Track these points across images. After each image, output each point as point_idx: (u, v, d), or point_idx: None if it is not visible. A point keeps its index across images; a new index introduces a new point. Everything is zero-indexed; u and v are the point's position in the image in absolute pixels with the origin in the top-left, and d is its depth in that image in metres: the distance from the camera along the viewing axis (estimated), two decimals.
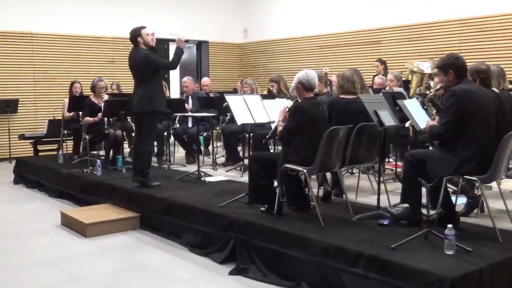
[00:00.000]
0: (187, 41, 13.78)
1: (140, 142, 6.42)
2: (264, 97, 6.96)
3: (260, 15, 13.71)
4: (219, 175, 7.31)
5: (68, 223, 6.16)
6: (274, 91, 8.09)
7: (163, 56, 12.96)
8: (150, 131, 6.46)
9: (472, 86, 4.35)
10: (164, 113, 7.01)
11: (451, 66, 4.31)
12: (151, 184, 6.41)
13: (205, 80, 10.28)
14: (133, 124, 8.37)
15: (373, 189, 5.92)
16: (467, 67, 4.46)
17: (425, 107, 5.14)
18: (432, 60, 8.90)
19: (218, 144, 10.13)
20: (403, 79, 7.71)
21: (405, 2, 10.55)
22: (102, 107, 7.88)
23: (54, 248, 5.42)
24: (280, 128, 4.97)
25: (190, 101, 8.94)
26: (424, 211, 4.27)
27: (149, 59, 6.18)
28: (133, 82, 6.43)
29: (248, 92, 8.34)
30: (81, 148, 8.92)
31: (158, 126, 8.46)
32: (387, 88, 7.41)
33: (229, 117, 8.47)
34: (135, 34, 6.29)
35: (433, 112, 4.87)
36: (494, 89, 5.00)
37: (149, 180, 6.43)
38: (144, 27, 6.35)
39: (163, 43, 13.09)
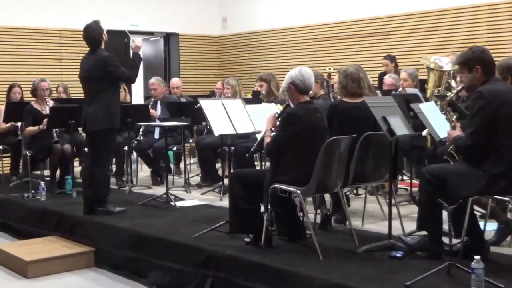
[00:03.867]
0: (151, 33, 13.86)
1: (96, 166, 6.43)
2: (247, 101, 6.97)
3: (242, 1, 13.77)
4: (193, 199, 7.31)
5: (5, 260, 6.11)
6: (263, 92, 8.09)
7: (123, 56, 12.97)
8: (108, 153, 6.56)
9: (500, 86, 4.39)
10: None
11: (478, 61, 4.33)
12: (113, 210, 6.41)
13: (174, 81, 10.25)
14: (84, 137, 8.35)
15: (383, 214, 5.94)
16: (495, 62, 4.49)
17: (443, 112, 5.17)
18: (454, 55, 8.97)
19: (192, 161, 10.12)
20: (419, 77, 7.77)
21: None
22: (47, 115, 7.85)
23: None
24: (268, 140, 4.98)
25: (159, 107, 8.92)
26: (445, 240, 4.29)
27: (109, 64, 6.20)
28: (84, 92, 6.47)
29: (230, 95, 8.34)
30: (20, 167, 8.86)
31: (118, 139, 8.46)
32: (400, 89, 7.45)
33: (208, 127, 8.46)
34: (98, 32, 6.31)
35: (453, 119, 4.89)
36: None
37: (110, 206, 6.43)
38: (100, 21, 6.39)
39: (122, 37, 13.07)
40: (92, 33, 6.33)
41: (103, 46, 6.36)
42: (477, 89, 4.30)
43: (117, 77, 6.32)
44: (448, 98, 5.24)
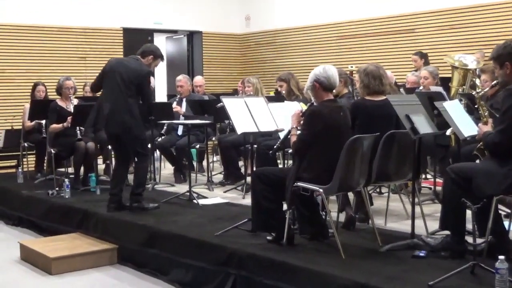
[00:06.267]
0: (175, 31, 13.90)
1: (121, 164, 6.65)
2: (270, 99, 6.97)
3: None
4: (215, 197, 7.33)
5: (29, 257, 6.18)
6: (283, 92, 8.10)
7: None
8: (144, 152, 6.69)
9: None
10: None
11: (508, 57, 4.28)
12: (147, 206, 6.52)
13: (198, 79, 10.28)
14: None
15: (406, 213, 5.91)
16: None
17: (476, 106, 5.10)
18: (481, 53, 8.88)
19: (215, 159, 10.14)
20: (440, 75, 7.71)
21: None
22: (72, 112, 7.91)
23: None
24: (294, 139, 4.98)
25: (184, 104, 8.94)
26: (469, 239, 4.26)
27: (145, 77, 6.48)
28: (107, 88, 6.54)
29: (251, 93, 8.34)
30: (45, 164, 8.93)
31: None
32: (421, 88, 7.41)
33: (231, 126, 8.47)
34: (153, 53, 6.65)
35: (485, 114, 4.84)
36: None
37: (144, 203, 6.54)
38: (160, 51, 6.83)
39: (146, 35, 13.14)
40: (149, 47, 6.80)
41: (147, 62, 6.58)
42: (509, 86, 4.25)
43: (142, 92, 6.51)
44: (482, 92, 5.16)
